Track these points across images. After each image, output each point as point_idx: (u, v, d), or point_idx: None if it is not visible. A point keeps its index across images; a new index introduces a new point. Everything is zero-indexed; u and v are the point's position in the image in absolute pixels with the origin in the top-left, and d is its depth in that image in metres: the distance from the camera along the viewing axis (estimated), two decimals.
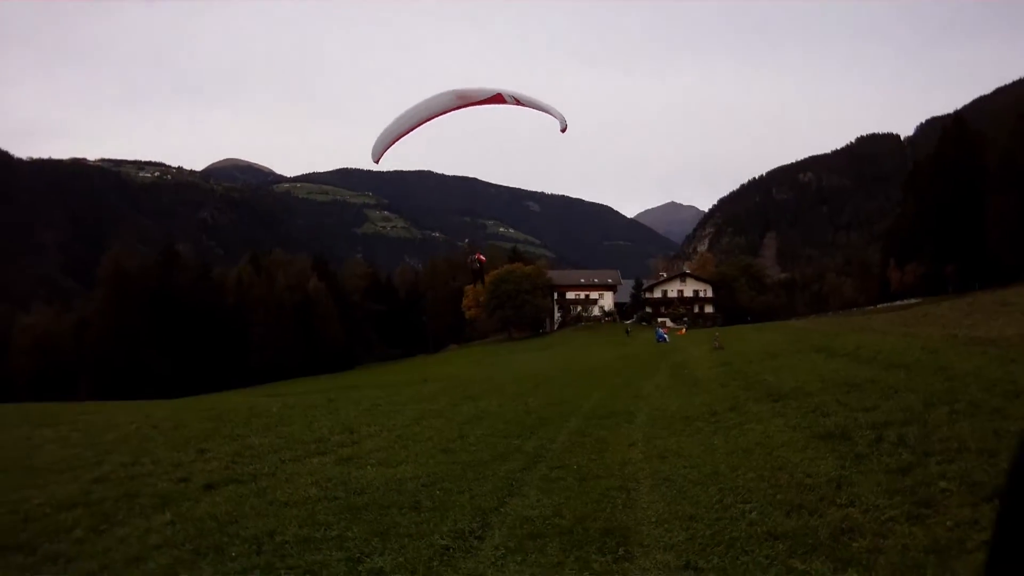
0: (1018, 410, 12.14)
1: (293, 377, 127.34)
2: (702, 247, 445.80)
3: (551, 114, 34.66)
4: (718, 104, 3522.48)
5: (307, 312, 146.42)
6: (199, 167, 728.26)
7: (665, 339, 78.25)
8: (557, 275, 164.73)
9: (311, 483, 12.87)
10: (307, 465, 14.99)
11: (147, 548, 9.33)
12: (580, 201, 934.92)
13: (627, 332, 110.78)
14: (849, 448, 11.64)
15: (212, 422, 25.17)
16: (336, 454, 16.17)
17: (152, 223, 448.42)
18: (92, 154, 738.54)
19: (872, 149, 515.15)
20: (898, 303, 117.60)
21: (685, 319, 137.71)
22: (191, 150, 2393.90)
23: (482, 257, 49.94)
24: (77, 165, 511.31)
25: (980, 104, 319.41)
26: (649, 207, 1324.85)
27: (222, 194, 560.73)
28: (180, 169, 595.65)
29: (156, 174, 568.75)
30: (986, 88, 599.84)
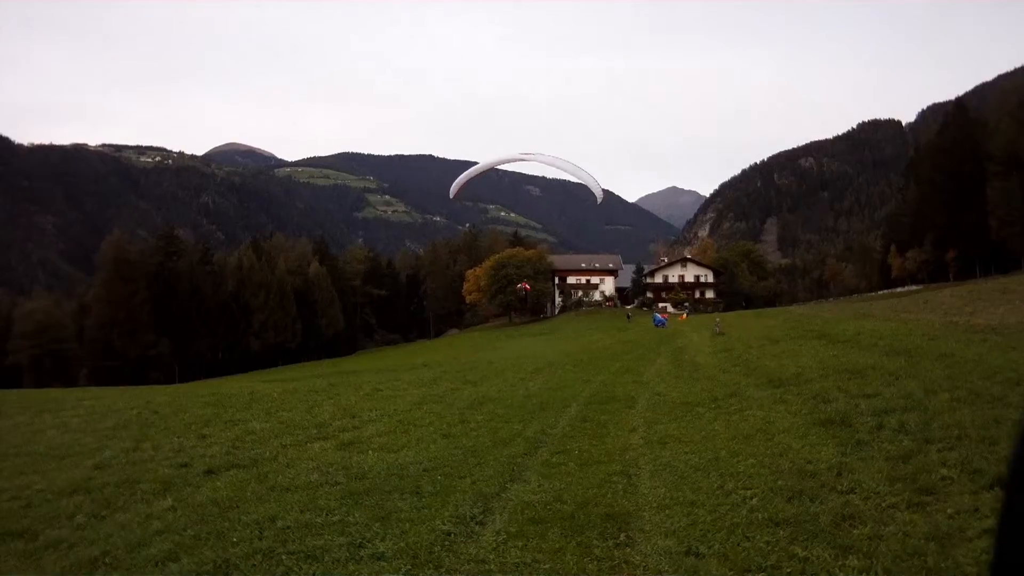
0: (1019, 398, 12.14)
1: (294, 362, 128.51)
2: (703, 232, 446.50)
3: (589, 185, 36.52)
4: (719, 89, 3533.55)
5: (308, 297, 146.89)
6: (200, 152, 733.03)
7: (663, 324, 78.32)
8: (558, 260, 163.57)
9: (312, 468, 12.90)
10: (308, 450, 15.08)
11: (148, 534, 9.35)
12: (581, 186, 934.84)
13: (628, 317, 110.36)
14: (850, 435, 11.63)
15: (213, 407, 25.40)
16: (337, 439, 16.24)
17: (153, 208, 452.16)
18: (93, 139, 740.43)
19: (873, 135, 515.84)
20: (899, 289, 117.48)
21: (686, 304, 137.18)
22: (192, 135, 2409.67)
23: (527, 286, 51.32)
24: (78, 150, 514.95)
25: (982, 91, 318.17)
26: (650, 192, 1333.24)
27: (223, 178, 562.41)
28: (181, 154, 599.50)
29: (157, 159, 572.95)
30: (988, 75, 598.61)
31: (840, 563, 6.63)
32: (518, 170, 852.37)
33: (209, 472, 13.25)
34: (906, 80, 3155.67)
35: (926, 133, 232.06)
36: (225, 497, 11.10)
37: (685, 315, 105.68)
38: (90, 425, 21.92)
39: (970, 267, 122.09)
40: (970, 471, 8.58)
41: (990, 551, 1.95)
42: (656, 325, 76.72)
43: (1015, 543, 1.88)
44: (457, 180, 48.06)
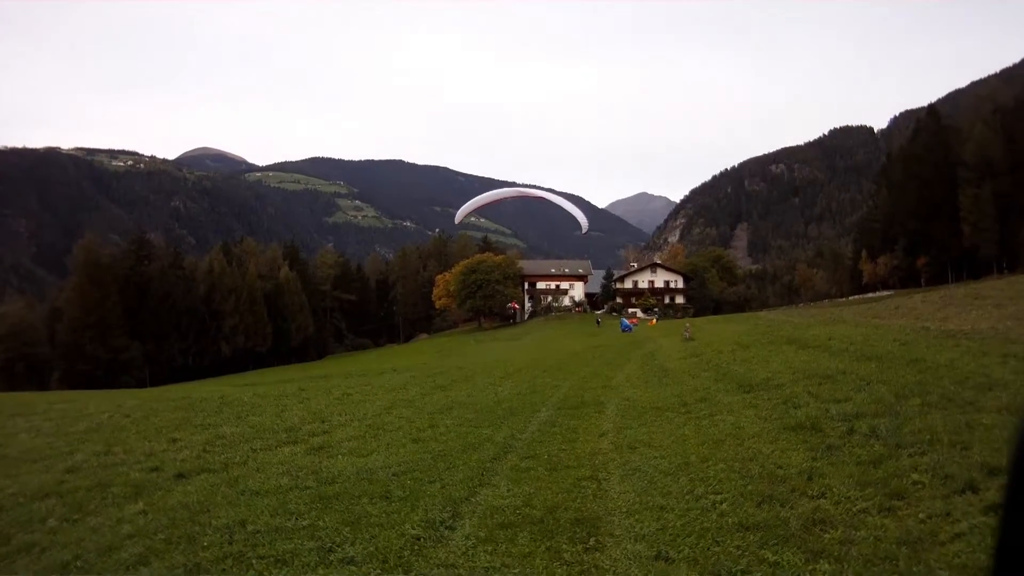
0: (991, 403, 12.16)
1: (264, 366, 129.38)
2: (673, 238, 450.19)
3: (576, 216, 37.42)
4: (690, 95, 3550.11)
5: (278, 301, 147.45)
6: (172, 156, 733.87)
7: (631, 329, 78.70)
8: (528, 265, 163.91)
9: (282, 472, 12.90)
10: (278, 454, 15.05)
11: (119, 538, 9.33)
12: (552, 191, 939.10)
13: (598, 322, 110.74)
14: (820, 439, 11.66)
15: (183, 412, 25.29)
16: (307, 443, 16.21)
17: (125, 211, 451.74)
18: (67, 143, 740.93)
19: (845, 141, 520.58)
20: (870, 295, 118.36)
21: (656, 309, 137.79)
22: (164, 139, 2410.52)
23: (516, 305, 52.58)
24: (51, 154, 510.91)
25: (955, 97, 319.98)
26: (621, 197, 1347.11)
27: (194, 183, 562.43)
28: (153, 158, 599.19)
29: (129, 163, 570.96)
30: (961, 82, 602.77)
31: (811, 568, 6.64)
32: (488, 175, 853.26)
33: (180, 476, 13.22)
34: (878, 86, 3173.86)
35: (898, 139, 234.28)
36: (196, 501, 11.07)
37: (655, 320, 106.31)
38: (62, 429, 21.85)
39: (942, 273, 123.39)
40: (942, 476, 8.59)
41: (991, 556, 1.94)
42: (623, 330, 77.26)
43: (1015, 548, 1.88)
44: (460, 210, 50.24)
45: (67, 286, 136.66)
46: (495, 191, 45.49)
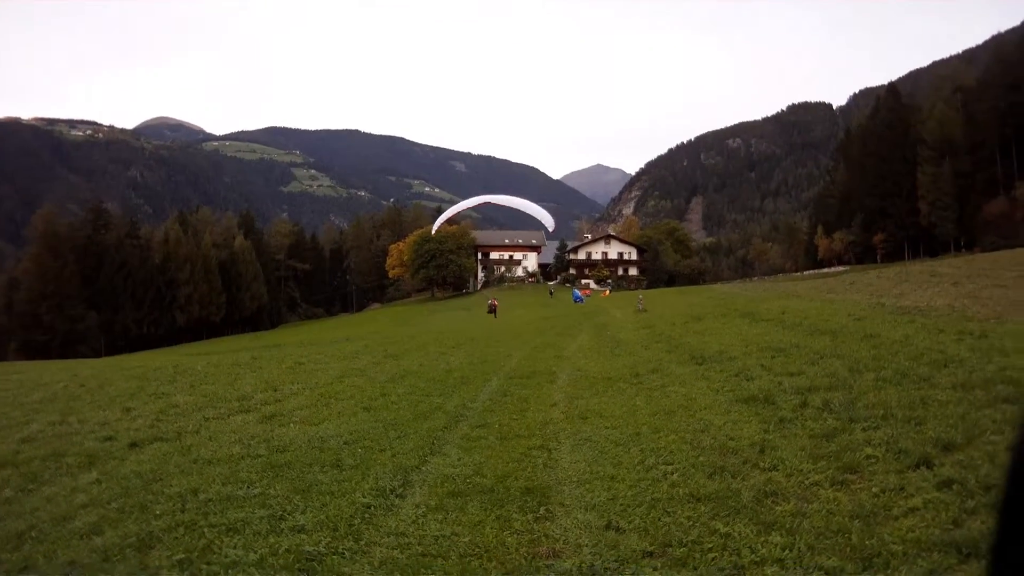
0: (946, 379, 12.17)
1: (218, 335, 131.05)
2: (627, 210, 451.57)
3: (542, 220, 38.11)
4: (648, 68, 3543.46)
5: (232, 270, 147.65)
6: (131, 125, 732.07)
7: (582, 300, 79.22)
8: (481, 235, 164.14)
9: (234, 441, 12.84)
10: (230, 423, 14.98)
11: (74, 507, 9.30)
12: (506, 162, 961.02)
13: (551, 293, 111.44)
14: (773, 412, 11.69)
15: (138, 381, 25.34)
16: (259, 412, 16.16)
17: (83, 181, 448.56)
18: (26, 113, 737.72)
19: (803, 117, 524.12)
20: (825, 270, 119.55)
21: (609, 281, 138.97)
22: (124, 108, 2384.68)
23: (495, 302, 53.66)
24: (10, 124, 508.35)
25: (915, 76, 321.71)
26: (576, 169, 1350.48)
27: (151, 152, 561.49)
28: (112, 127, 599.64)
29: (88, 132, 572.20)
30: (922, 61, 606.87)
31: (762, 539, 6.61)
32: (443, 145, 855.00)
33: (133, 445, 13.15)
34: (839, 64, 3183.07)
35: (857, 116, 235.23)
36: (149, 470, 10.99)
37: (608, 292, 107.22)
38: (18, 399, 21.89)
39: (898, 250, 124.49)
40: (896, 451, 8.60)
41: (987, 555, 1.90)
42: (575, 301, 77.84)
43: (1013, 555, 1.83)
44: (437, 221, 52.75)
45: (25, 256, 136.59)
46: (464, 202, 48.13)
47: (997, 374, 11.97)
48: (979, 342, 16.01)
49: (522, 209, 42.22)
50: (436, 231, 64.16)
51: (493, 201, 44.04)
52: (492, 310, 54.60)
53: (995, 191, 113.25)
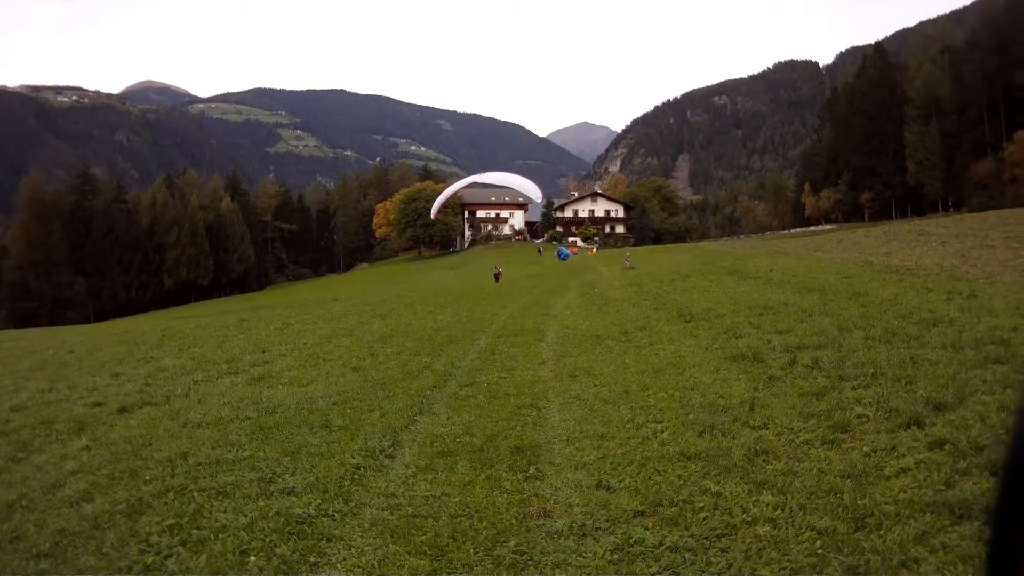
0: (936, 339, 12.20)
1: (206, 298, 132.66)
2: (614, 168, 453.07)
3: (528, 193, 38.40)
4: (633, 23, 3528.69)
5: (219, 233, 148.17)
6: (116, 90, 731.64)
7: (568, 257, 79.09)
8: (468, 193, 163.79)
9: (223, 404, 12.93)
10: (219, 386, 15.10)
11: (63, 474, 9.35)
12: (492, 120, 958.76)
13: (539, 251, 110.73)
14: (762, 370, 11.71)
15: (126, 346, 25.76)
16: (248, 374, 16.27)
17: (69, 147, 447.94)
18: (12, 81, 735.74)
19: (790, 75, 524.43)
20: (812, 228, 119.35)
21: (596, 239, 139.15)
22: (109, 73, 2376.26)
23: (500, 270, 54.17)
24: None
25: (903, 35, 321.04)
26: (562, 127, 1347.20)
27: (137, 116, 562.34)
28: (98, 92, 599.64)
29: (74, 98, 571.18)
30: (910, 21, 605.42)
31: (754, 499, 6.62)
32: (430, 104, 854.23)
33: (122, 410, 13.24)
34: (825, 22, 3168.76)
35: (844, 75, 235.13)
36: (138, 435, 11.06)
37: (595, 249, 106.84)
38: (7, 367, 22.10)
39: (886, 209, 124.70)
40: (886, 410, 8.61)
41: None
42: (560, 259, 77.65)
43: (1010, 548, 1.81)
44: (435, 203, 52.96)
45: (12, 224, 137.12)
46: (457, 183, 52.11)
47: (987, 334, 12.02)
48: (968, 302, 16.04)
49: (509, 184, 42.63)
50: (435, 213, 64.58)
51: (481, 180, 44.35)
52: (497, 277, 54.85)
53: (982, 152, 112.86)
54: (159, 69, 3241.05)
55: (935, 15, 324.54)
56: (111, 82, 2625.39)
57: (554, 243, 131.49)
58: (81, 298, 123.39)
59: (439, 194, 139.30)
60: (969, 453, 6.93)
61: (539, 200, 41.81)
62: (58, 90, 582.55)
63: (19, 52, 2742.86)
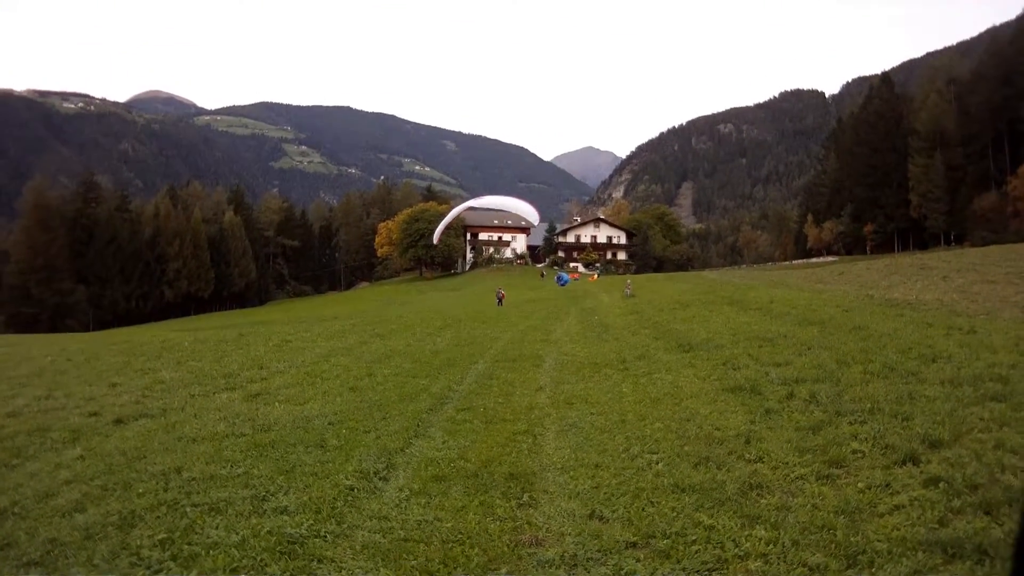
0: (934, 375, 12.17)
1: (206, 311, 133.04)
2: (617, 193, 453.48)
3: (526, 216, 39.01)
4: (641, 50, 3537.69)
5: (221, 246, 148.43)
6: (123, 98, 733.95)
7: (567, 282, 79.43)
8: (470, 216, 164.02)
9: (219, 419, 12.89)
10: (215, 401, 15.05)
11: (57, 483, 9.34)
12: (497, 142, 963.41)
13: (542, 275, 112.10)
14: (759, 403, 11.68)
15: (124, 356, 25.74)
16: (245, 390, 16.26)
17: (74, 154, 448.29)
18: (20, 85, 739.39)
19: (795, 104, 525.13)
20: (814, 260, 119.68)
21: (597, 265, 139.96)
22: (116, 81, 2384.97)
23: (503, 293, 54.61)
24: (3, 96, 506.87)
25: (910, 67, 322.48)
26: (567, 151, 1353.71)
27: (143, 126, 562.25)
28: (104, 100, 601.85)
29: (80, 105, 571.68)
30: (916, 52, 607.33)
31: (746, 533, 6.61)
32: (436, 124, 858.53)
33: (118, 421, 13.22)
34: (832, 52, 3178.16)
35: (850, 105, 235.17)
36: (133, 447, 11.05)
37: (596, 276, 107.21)
38: (4, 373, 22.09)
39: (888, 241, 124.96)
40: (883, 446, 8.59)
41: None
42: (560, 284, 77.94)
43: None
44: (437, 229, 53.84)
45: (15, 228, 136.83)
46: (457, 207, 53.12)
47: (986, 371, 11.96)
48: (968, 338, 15.99)
49: (507, 208, 43.05)
50: (437, 238, 65.23)
51: (480, 204, 44.71)
52: (500, 300, 54.99)
53: (987, 185, 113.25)
54: (166, 79, 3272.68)
55: (942, 46, 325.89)
56: (118, 90, 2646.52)
57: (555, 268, 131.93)
58: (81, 306, 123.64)
59: (442, 215, 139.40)
60: (964, 491, 6.91)
61: (537, 223, 42.13)
62: (65, 96, 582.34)
63: (26, 56, 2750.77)
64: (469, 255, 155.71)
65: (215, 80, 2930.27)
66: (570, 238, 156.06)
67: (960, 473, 7.33)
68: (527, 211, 38.24)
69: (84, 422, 13.29)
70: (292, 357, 22.44)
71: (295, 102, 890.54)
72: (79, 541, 7.14)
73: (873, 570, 5.65)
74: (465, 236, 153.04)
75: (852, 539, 6.21)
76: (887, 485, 7.44)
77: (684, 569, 5.99)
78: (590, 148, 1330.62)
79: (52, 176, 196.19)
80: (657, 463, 9.00)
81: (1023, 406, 9.65)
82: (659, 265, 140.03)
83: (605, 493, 8.03)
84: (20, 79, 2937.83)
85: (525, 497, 8.08)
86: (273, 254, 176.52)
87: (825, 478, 7.88)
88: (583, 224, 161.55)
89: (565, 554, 6.44)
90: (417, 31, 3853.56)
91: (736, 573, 5.87)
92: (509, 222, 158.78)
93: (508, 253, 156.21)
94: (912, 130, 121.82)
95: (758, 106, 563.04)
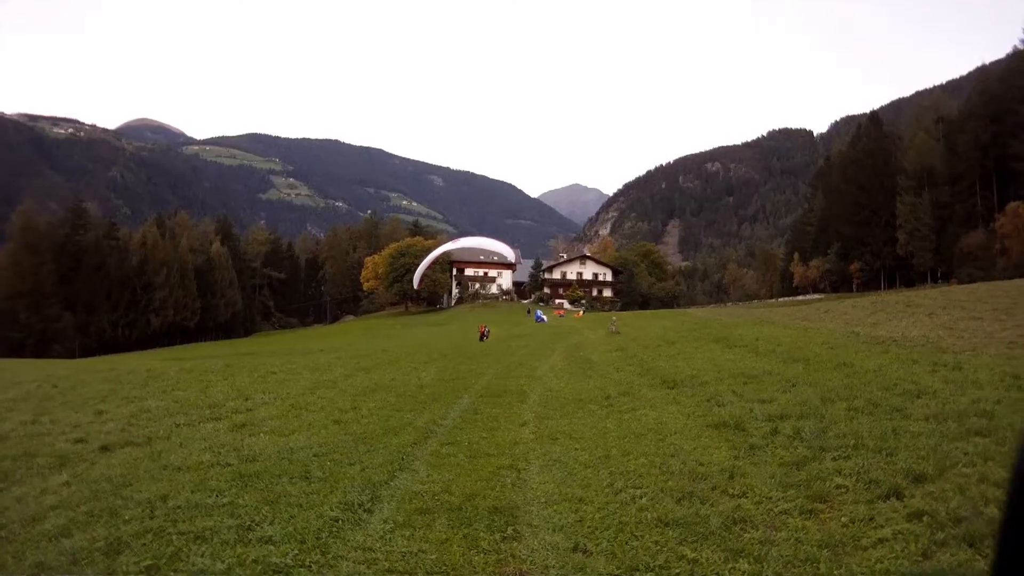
0: (919, 410, 12.26)
1: (191, 341, 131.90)
2: (604, 231, 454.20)
3: (505, 254, 40.05)
4: (629, 88, 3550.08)
5: (208, 276, 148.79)
6: (113, 125, 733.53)
7: (543, 320, 79.74)
8: (456, 251, 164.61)
9: (204, 448, 12.88)
10: (201, 430, 15.06)
11: (43, 509, 9.36)
12: (485, 178, 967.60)
13: (528, 312, 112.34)
14: (743, 439, 11.73)
15: (111, 384, 25.68)
16: (230, 420, 16.24)
17: (63, 179, 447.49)
18: (9, 109, 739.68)
19: (783, 143, 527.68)
20: (800, 297, 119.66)
21: (583, 301, 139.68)
22: (106, 107, 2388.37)
23: (487, 329, 54.74)
24: None
25: (897, 106, 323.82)
26: (554, 187, 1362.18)
27: (132, 153, 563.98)
28: (94, 126, 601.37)
29: (70, 130, 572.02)
30: (905, 91, 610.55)
31: (730, 566, 6.65)
32: (422, 159, 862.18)
33: (104, 448, 13.25)
34: (820, 91, 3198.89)
35: (837, 144, 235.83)
36: (119, 474, 11.05)
37: (581, 312, 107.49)
38: None
39: (874, 279, 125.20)
40: (866, 481, 8.64)
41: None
42: (536, 321, 79.05)
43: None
44: (416, 273, 54.42)
45: (3, 252, 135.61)
46: (433, 252, 57.88)
47: (970, 406, 12.05)
48: (953, 374, 16.06)
49: (484, 247, 43.62)
50: (418, 282, 65.79)
51: (457, 246, 45.44)
52: (483, 336, 54.96)
53: (974, 223, 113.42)
54: (156, 107, 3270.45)
55: (931, 85, 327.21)
56: (108, 117, 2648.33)
57: (542, 304, 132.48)
58: (68, 332, 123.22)
59: (428, 251, 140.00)
60: (947, 524, 6.97)
61: (512, 260, 42.73)
62: (55, 121, 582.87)
63: (17, 80, 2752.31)
64: (455, 290, 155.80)
65: (205, 110, 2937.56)
66: (556, 275, 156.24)
67: (944, 507, 7.39)
68: (504, 250, 38.52)
69: (70, 448, 13.33)
70: (277, 389, 22.42)
71: (284, 134, 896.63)
72: (65, 566, 7.17)
73: None
74: (451, 271, 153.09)
75: (835, 572, 6.28)
76: (871, 519, 7.49)
77: None
78: (577, 185, 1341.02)
79: (41, 201, 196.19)
80: (641, 497, 9.04)
81: (1008, 440, 9.72)
82: (645, 302, 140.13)
83: (589, 527, 8.08)
84: (10, 103, 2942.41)
85: (509, 530, 8.12)
86: (259, 285, 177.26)
87: (809, 512, 7.93)
88: (569, 261, 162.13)
89: None
90: (406, 66, 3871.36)
91: None
92: (495, 258, 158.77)
93: (494, 289, 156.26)
94: (900, 168, 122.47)
95: (746, 144, 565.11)
